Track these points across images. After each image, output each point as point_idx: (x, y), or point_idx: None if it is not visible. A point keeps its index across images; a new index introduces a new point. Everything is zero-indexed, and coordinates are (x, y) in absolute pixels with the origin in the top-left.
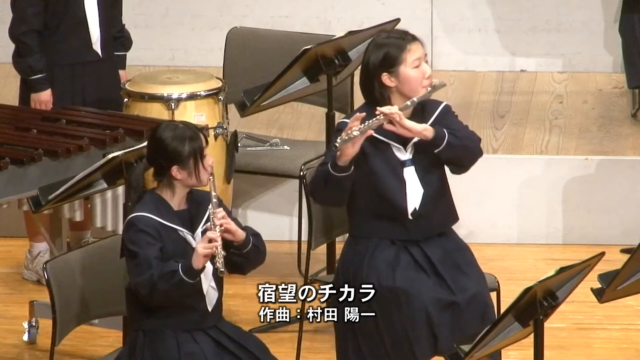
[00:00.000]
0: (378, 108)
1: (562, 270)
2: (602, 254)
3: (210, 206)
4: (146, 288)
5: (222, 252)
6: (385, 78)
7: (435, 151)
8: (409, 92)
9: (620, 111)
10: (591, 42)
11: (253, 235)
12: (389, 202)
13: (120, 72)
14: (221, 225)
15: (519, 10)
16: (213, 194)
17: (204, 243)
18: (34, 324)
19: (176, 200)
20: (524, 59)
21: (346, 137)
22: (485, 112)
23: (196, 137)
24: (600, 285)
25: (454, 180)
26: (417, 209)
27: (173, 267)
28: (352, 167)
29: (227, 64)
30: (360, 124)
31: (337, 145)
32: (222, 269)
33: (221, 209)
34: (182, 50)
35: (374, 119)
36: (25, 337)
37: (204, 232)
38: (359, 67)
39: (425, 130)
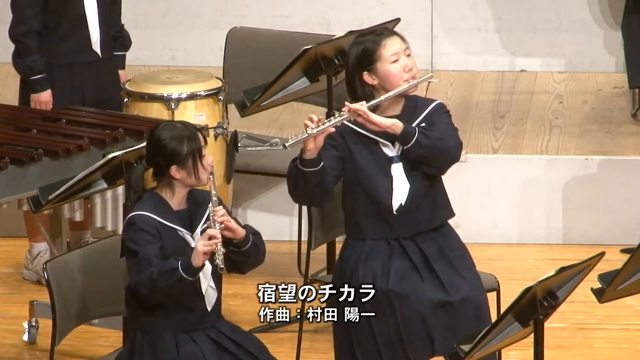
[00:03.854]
0: (345, 103)
1: (562, 270)
2: (602, 254)
3: (210, 205)
4: (146, 286)
5: (222, 250)
6: (366, 76)
7: (404, 148)
8: (391, 88)
9: (620, 111)
10: (591, 42)
11: (253, 233)
12: (375, 199)
13: (120, 72)
14: (221, 223)
15: (519, 10)
16: (213, 192)
17: (203, 240)
18: (34, 324)
19: (176, 199)
20: (524, 59)
21: (299, 137)
22: (485, 112)
23: (194, 137)
24: (600, 285)
25: (454, 179)
26: (402, 204)
27: (173, 264)
28: (322, 163)
29: (227, 64)
30: (321, 123)
31: (287, 145)
32: (222, 266)
33: (221, 207)
34: (182, 50)
35: (339, 114)
36: (25, 337)
37: (203, 232)
38: None
39: (393, 125)
